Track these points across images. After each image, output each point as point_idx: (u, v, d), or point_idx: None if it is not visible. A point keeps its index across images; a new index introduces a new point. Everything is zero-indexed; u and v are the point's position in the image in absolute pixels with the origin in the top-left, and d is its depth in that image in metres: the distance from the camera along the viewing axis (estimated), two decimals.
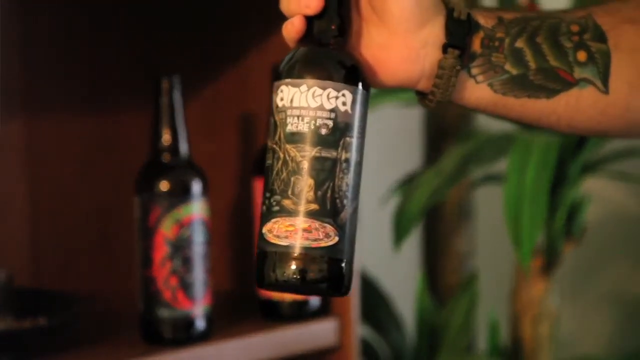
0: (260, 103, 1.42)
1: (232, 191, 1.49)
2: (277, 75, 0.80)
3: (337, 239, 0.77)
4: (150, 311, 1.23)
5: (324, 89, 0.78)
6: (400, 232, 1.59)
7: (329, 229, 0.77)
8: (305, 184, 0.77)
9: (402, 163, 1.95)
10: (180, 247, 1.22)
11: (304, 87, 0.78)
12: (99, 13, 1.47)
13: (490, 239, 2.00)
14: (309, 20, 0.80)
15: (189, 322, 1.23)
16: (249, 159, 1.46)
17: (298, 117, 0.78)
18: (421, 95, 0.84)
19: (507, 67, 0.82)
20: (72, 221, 1.45)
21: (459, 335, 1.75)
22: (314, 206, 0.77)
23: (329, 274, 0.77)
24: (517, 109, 0.84)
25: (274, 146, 0.78)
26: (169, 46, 1.51)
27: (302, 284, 0.76)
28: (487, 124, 1.94)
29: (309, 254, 0.76)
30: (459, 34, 0.81)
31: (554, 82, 0.82)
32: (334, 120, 0.78)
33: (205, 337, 1.25)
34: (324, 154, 0.78)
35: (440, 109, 1.96)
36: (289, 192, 0.77)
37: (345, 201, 0.78)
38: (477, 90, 0.83)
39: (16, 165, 1.42)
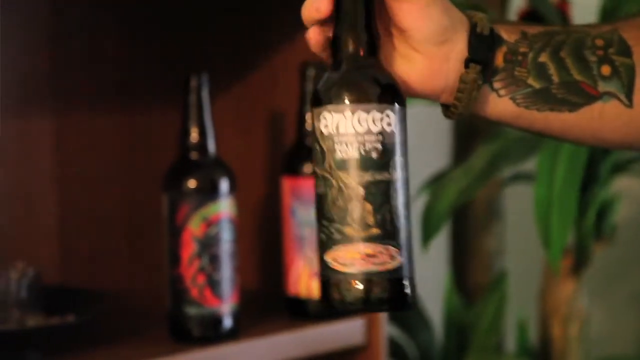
0: (288, 101, 1.42)
1: (260, 189, 1.49)
2: (317, 101, 0.80)
3: (400, 259, 0.79)
4: (178, 309, 1.23)
5: (368, 112, 0.78)
6: (428, 231, 1.58)
7: (392, 250, 0.78)
8: (363, 210, 0.78)
9: (431, 162, 1.94)
10: (208, 245, 1.22)
11: (348, 113, 0.78)
12: (127, 11, 1.47)
13: (520, 239, 1.99)
14: (340, 38, 0.81)
15: (216, 320, 1.23)
16: (277, 156, 1.45)
17: (346, 143, 0.78)
18: (444, 107, 0.85)
19: (530, 81, 0.83)
20: (100, 219, 1.46)
21: (488, 335, 1.74)
22: (375, 230, 0.78)
23: (397, 293, 0.79)
24: (540, 122, 0.84)
25: (325, 174, 0.79)
26: (198, 44, 1.51)
27: (371, 306, 0.79)
28: None
29: (376, 278, 0.78)
30: (481, 49, 0.82)
31: (577, 96, 0.83)
32: (382, 142, 0.79)
33: (232, 335, 1.25)
34: (378, 177, 0.78)
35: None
36: (349, 219, 0.78)
37: (402, 220, 0.79)
38: (499, 103, 0.83)
39: (45, 163, 1.42)
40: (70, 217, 1.43)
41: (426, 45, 0.81)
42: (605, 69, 0.83)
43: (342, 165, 0.78)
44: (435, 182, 1.71)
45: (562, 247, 1.45)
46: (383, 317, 1.35)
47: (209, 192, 1.23)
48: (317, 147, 0.79)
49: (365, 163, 0.78)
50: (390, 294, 0.78)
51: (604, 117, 0.83)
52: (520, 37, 0.83)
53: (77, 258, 1.44)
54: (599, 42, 0.83)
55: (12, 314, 1.25)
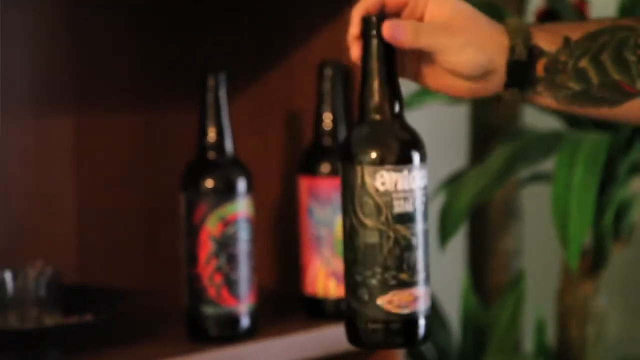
0: (306, 100, 1.42)
1: (277, 189, 1.49)
2: (370, 159, 0.87)
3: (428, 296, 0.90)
4: (195, 308, 1.23)
5: (420, 170, 0.88)
6: (446, 231, 1.58)
7: (429, 289, 0.89)
8: (419, 257, 0.87)
9: (448, 161, 1.94)
10: (225, 245, 1.22)
11: (405, 172, 0.87)
12: (146, 11, 1.47)
13: (537, 239, 1.99)
14: (375, 94, 0.88)
15: (233, 319, 1.23)
16: (294, 156, 1.46)
17: (404, 199, 0.87)
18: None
19: (571, 84, 0.87)
20: (118, 218, 1.46)
21: (505, 335, 1.74)
22: (423, 274, 0.88)
23: (428, 328, 0.90)
24: (583, 113, 0.89)
25: (382, 227, 0.87)
26: (216, 43, 1.51)
27: (419, 344, 0.89)
28: (535, 123, 1.92)
29: (423, 317, 0.88)
30: (518, 76, 0.87)
31: (616, 94, 0.87)
32: (426, 194, 0.88)
33: (249, 334, 1.25)
34: (426, 226, 0.88)
35: (487, 107, 1.94)
36: (404, 267, 0.87)
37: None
38: (542, 100, 0.89)
39: (64, 162, 1.43)
40: (88, 216, 1.44)
41: (467, 79, 0.88)
42: None
43: (401, 219, 0.87)
44: (453, 182, 1.71)
45: (580, 247, 1.44)
46: None
47: (227, 192, 1.23)
48: (370, 201, 0.87)
49: (420, 215, 0.88)
50: (427, 330, 0.89)
51: None
52: (562, 46, 0.87)
53: (95, 257, 1.44)
54: None
55: (30, 313, 1.25)
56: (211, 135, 1.24)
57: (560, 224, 1.45)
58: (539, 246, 1.97)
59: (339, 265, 1.16)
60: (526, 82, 0.87)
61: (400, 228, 0.88)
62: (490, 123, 1.94)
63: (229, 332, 1.24)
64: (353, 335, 0.89)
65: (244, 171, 1.25)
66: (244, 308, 1.24)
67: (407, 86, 1.36)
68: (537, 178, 1.79)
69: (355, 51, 0.88)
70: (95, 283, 1.40)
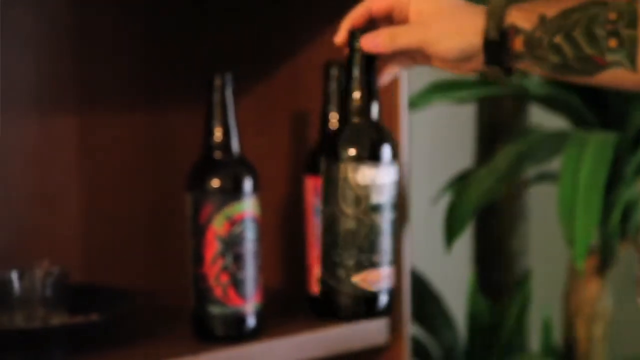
0: (312, 100, 1.42)
1: (284, 188, 1.49)
2: (351, 155, 1.02)
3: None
4: (202, 308, 1.23)
5: (393, 166, 1.03)
6: (452, 230, 1.58)
7: (393, 269, 1.05)
8: (387, 242, 1.03)
9: (454, 161, 1.94)
10: (232, 244, 1.22)
11: (381, 169, 1.01)
12: (151, 11, 1.48)
13: (544, 238, 1.99)
14: (356, 97, 1.02)
15: (240, 319, 1.23)
16: (300, 156, 1.46)
17: (380, 192, 1.01)
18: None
19: (550, 57, 0.96)
20: (125, 217, 1.46)
21: (512, 335, 1.74)
22: (390, 257, 1.03)
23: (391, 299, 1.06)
24: (565, 79, 0.99)
25: (361, 216, 1.02)
26: (222, 44, 1.52)
27: (383, 314, 1.06)
28: (542, 122, 1.92)
29: (390, 291, 1.05)
30: (495, 54, 0.98)
31: (590, 66, 0.96)
32: (396, 188, 1.04)
33: (256, 334, 1.25)
34: (394, 215, 1.04)
35: (494, 107, 1.94)
36: (377, 249, 1.03)
37: None
38: (530, 68, 0.99)
39: (69, 162, 1.43)
40: (94, 216, 1.44)
41: (456, 62, 0.99)
42: (613, 42, 0.95)
43: (376, 208, 1.02)
44: (459, 182, 1.71)
45: (587, 246, 1.44)
46: (406, 316, 1.35)
47: (233, 192, 1.23)
48: (350, 193, 1.01)
49: (391, 206, 1.02)
50: (389, 304, 1.05)
51: (617, 79, 0.97)
52: (537, 24, 0.96)
53: (102, 257, 1.45)
54: (612, 16, 0.95)
55: (36, 313, 1.26)
56: (217, 135, 1.24)
57: (566, 223, 1.45)
58: (545, 246, 1.97)
59: None
60: (504, 60, 0.97)
61: (375, 217, 1.03)
62: (496, 123, 1.94)
63: (235, 331, 1.24)
64: (330, 309, 1.04)
65: (250, 171, 1.25)
66: (250, 308, 1.24)
67: (413, 87, 1.36)
68: (543, 178, 1.78)
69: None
70: (101, 283, 1.40)
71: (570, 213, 1.45)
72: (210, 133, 1.25)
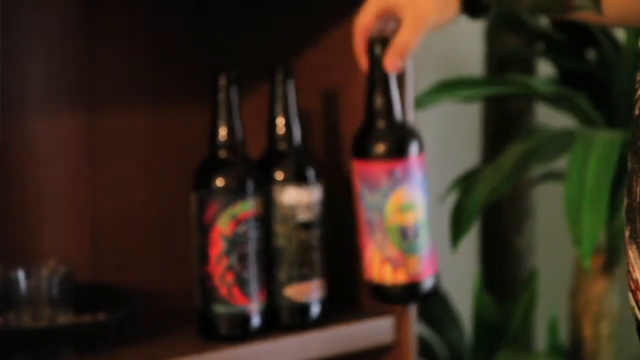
0: (315, 102, 1.42)
1: None
2: (281, 180, 1.26)
3: None
4: (207, 307, 1.23)
5: (317, 186, 1.29)
6: (458, 229, 1.58)
7: (324, 281, 1.32)
8: (318, 256, 1.28)
9: (460, 160, 1.94)
10: (237, 244, 1.22)
11: (306, 188, 1.28)
12: (156, 10, 1.48)
13: (551, 237, 1.98)
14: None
15: (245, 318, 1.23)
16: None
17: (306, 210, 1.27)
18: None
19: (520, 3, 1.07)
20: (131, 217, 1.46)
21: (518, 334, 1.74)
22: (322, 270, 1.32)
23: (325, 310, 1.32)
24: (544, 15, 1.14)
25: (289, 232, 1.25)
26: (228, 42, 1.52)
27: (316, 324, 1.31)
28: (548, 121, 1.92)
29: (322, 302, 1.32)
30: (469, 4, 1.13)
31: (559, 6, 1.04)
32: (322, 205, 1.30)
33: (261, 333, 1.25)
34: (322, 232, 1.30)
35: (501, 105, 1.94)
36: (306, 264, 1.27)
37: None
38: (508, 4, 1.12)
39: (76, 161, 1.43)
40: (101, 216, 1.44)
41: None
42: None
43: (303, 226, 1.24)
44: (466, 181, 1.71)
45: (593, 245, 1.44)
46: (412, 315, 1.35)
47: (238, 191, 1.23)
48: (280, 213, 1.25)
49: (317, 223, 1.26)
50: (321, 314, 1.27)
51: (588, 18, 1.05)
52: None
53: (108, 256, 1.45)
54: None
55: (43, 312, 1.26)
56: (222, 134, 1.24)
57: (573, 222, 1.45)
58: (551, 245, 1.97)
59: (392, 250, 1.21)
60: (479, 10, 1.13)
61: (302, 233, 1.22)
62: (503, 122, 1.94)
63: (240, 331, 1.24)
64: (272, 320, 1.24)
65: (255, 170, 1.25)
66: (255, 307, 1.24)
67: (419, 86, 1.37)
68: (550, 177, 1.78)
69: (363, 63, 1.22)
70: (108, 282, 1.41)
71: (577, 212, 1.45)
72: (215, 132, 1.25)
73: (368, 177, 1.20)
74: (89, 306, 1.27)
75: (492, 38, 1.94)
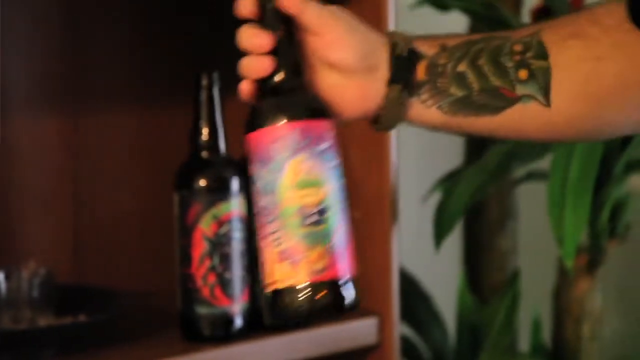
0: None
1: None
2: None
3: None
4: (189, 308, 1.23)
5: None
6: (441, 229, 1.58)
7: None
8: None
9: (443, 160, 1.93)
10: (219, 244, 1.22)
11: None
12: (139, 10, 1.47)
13: (533, 237, 1.98)
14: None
15: (227, 319, 1.23)
16: None
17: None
18: (373, 121, 0.92)
19: (452, 90, 0.89)
20: (114, 218, 1.46)
21: (501, 334, 1.74)
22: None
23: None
24: (467, 126, 0.91)
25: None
26: (209, 42, 1.51)
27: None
28: None
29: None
30: (400, 70, 0.89)
31: (497, 100, 0.89)
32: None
33: (243, 334, 1.24)
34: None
35: None
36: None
37: None
38: (427, 112, 0.91)
39: (58, 162, 1.42)
40: (82, 216, 1.43)
41: (353, 73, 0.89)
42: (522, 73, 0.88)
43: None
44: (448, 181, 1.71)
45: (576, 245, 1.44)
46: (396, 316, 1.35)
47: (220, 191, 1.22)
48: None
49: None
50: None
51: (524, 118, 0.89)
52: (439, 50, 0.90)
53: (90, 257, 1.44)
54: (518, 48, 0.89)
55: (23, 314, 1.25)
56: (205, 134, 1.24)
57: (556, 222, 1.45)
58: (534, 245, 1.97)
59: (289, 240, 0.93)
60: (409, 80, 0.89)
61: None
62: None
63: (222, 332, 1.23)
64: None
65: (237, 170, 1.25)
66: (237, 308, 1.23)
67: None
68: (532, 176, 1.78)
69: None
70: (90, 283, 1.40)
71: (560, 212, 1.45)
72: (197, 133, 1.24)
73: (260, 149, 0.92)
74: (70, 308, 1.26)
75: None
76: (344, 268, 0.88)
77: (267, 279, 0.88)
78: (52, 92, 1.41)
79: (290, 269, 0.87)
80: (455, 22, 1.85)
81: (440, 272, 1.92)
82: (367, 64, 0.89)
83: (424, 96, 0.90)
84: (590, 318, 1.69)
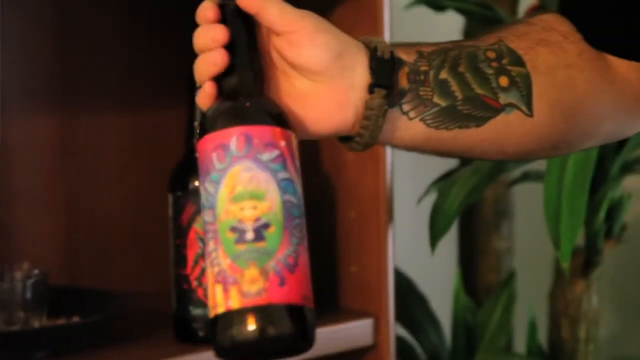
0: None
1: None
2: None
3: None
4: (184, 309, 1.22)
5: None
6: (436, 230, 1.57)
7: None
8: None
9: (439, 161, 1.93)
10: None
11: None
12: (132, 10, 1.47)
13: (529, 238, 1.98)
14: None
15: None
16: None
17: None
18: (346, 140, 0.82)
19: (436, 99, 0.81)
20: (107, 219, 1.45)
21: (497, 336, 1.73)
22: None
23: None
24: (449, 141, 0.83)
25: None
26: None
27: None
28: None
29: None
30: (384, 73, 0.79)
31: (482, 110, 0.82)
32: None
33: None
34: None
35: None
36: None
37: None
38: (410, 127, 0.81)
39: (51, 163, 1.42)
40: (76, 218, 1.43)
41: (325, 76, 0.79)
42: (504, 80, 0.82)
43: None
44: (444, 182, 1.70)
45: (572, 246, 1.44)
46: (391, 317, 1.35)
47: None
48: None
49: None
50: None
51: (508, 129, 0.83)
52: (417, 57, 0.81)
53: (83, 259, 1.44)
54: (491, 55, 0.83)
55: (17, 315, 1.24)
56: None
57: (552, 223, 1.44)
58: (530, 246, 1.97)
59: (223, 260, 0.84)
60: (393, 85, 0.79)
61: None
62: None
63: None
64: None
65: None
66: None
67: None
68: (528, 177, 1.78)
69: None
70: (83, 285, 1.39)
71: (556, 213, 1.45)
72: (191, 133, 1.24)
73: (203, 157, 0.80)
74: (63, 309, 1.26)
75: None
76: (290, 293, 0.74)
77: (209, 303, 0.77)
78: (45, 93, 1.41)
79: (222, 292, 0.75)
80: (451, 23, 1.85)
81: (436, 273, 1.92)
82: (341, 64, 0.79)
83: (407, 106, 0.80)
84: (586, 319, 1.69)
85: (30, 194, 1.40)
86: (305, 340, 0.75)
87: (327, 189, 1.31)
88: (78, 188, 1.43)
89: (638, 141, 1.62)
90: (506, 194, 1.94)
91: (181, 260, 1.22)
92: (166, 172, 1.27)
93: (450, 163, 1.93)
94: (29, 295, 1.25)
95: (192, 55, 1.54)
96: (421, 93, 0.80)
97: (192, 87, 1.24)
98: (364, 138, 0.80)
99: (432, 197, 1.68)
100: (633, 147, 1.62)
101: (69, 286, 1.37)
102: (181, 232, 1.22)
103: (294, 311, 0.74)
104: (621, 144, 1.62)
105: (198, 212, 1.22)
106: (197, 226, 1.22)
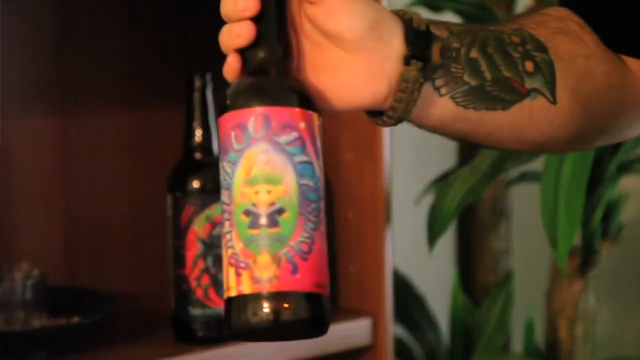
0: None
1: None
2: None
3: None
4: (183, 310, 1.23)
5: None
6: (434, 230, 1.58)
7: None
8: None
9: (437, 161, 1.94)
10: (213, 246, 1.22)
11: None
12: (131, 10, 1.47)
13: (526, 239, 1.99)
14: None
15: (221, 320, 1.23)
16: None
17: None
18: (376, 115, 0.79)
19: (466, 78, 0.79)
20: (106, 219, 1.46)
21: (494, 335, 1.74)
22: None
23: None
24: (474, 123, 0.81)
25: None
26: (202, 43, 1.51)
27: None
28: None
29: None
30: (420, 45, 0.77)
31: (509, 93, 0.80)
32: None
33: None
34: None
35: None
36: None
37: None
38: (440, 104, 0.79)
39: (50, 163, 1.42)
40: (75, 218, 1.43)
41: (360, 45, 0.76)
42: (529, 65, 0.80)
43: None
44: (441, 182, 1.71)
45: (569, 247, 1.44)
46: (390, 317, 1.35)
47: (214, 192, 1.22)
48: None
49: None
50: None
51: (531, 115, 0.81)
52: (449, 34, 0.79)
53: (83, 259, 1.44)
54: (515, 39, 0.81)
55: (17, 315, 1.25)
56: (197, 136, 1.24)
57: (549, 223, 1.45)
58: (527, 246, 1.97)
59: (236, 244, 0.82)
60: (429, 58, 0.77)
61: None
62: None
63: (216, 333, 1.23)
64: None
65: None
66: None
67: None
68: (525, 177, 1.78)
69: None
70: (82, 285, 1.40)
71: (553, 213, 1.45)
72: (190, 134, 1.24)
73: (222, 136, 0.78)
74: (63, 309, 1.26)
75: None
76: (303, 281, 0.73)
77: (224, 285, 0.76)
78: (45, 93, 1.41)
79: (235, 275, 0.75)
80: None
81: (434, 273, 1.92)
82: (377, 34, 0.75)
83: (439, 82, 0.78)
84: (583, 319, 1.70)
85: (30, 194, 1.40)
86: (316, 327, 0.75)
87: (325, 189, 1.31)
88: (78, 188, 1.44)
89: (635, 142, 1.63)
90: (504, 195, 1.94)
91: (180, 260, 1.23)
92: (165, 173, 1.28)
93: (448, 163, 1.93)
94: (28, 295, 1.25)
95: (192, 55, 1.55)
96: (453, 70, 0.78)
97: (191, 87, 1.25)
98: (397, 112, 0.77)
99: (430, 198, 1.69)
100: (630, 147, 1.62)
101: (69, 286, 1.37)
102: (180, 233, 1.23)
103: (306, 299, 0.73)
104: (618, 145, 1.63)
105: (197, 212, 1.22)
106: (196, 227, 1.22)
